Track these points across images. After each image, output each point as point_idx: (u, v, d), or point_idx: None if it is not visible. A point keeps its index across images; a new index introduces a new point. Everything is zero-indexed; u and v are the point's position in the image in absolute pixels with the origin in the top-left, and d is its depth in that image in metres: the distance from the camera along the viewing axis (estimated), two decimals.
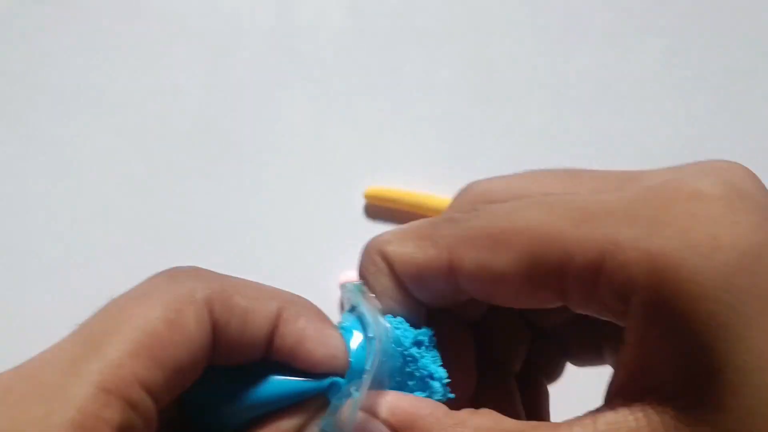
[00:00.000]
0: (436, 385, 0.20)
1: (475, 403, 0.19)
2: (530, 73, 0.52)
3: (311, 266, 0.48)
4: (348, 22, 0.53)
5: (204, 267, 0.20)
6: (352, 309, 0.21)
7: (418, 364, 0.20)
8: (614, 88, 0.52)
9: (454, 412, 0.19)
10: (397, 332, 0.20)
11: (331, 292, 0.47)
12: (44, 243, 0.48)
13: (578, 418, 0.17)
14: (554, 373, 0.24)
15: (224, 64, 0.52)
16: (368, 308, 0.20)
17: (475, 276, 0.19)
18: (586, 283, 0.17)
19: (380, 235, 0.21)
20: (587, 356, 0.23)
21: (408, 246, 0.20)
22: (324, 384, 0.19)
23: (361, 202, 0.49)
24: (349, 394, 0.19)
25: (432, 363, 0.20)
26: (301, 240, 0.48)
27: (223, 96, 0.52)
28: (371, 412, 0.19)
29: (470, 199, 0.20)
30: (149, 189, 0.50)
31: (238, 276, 0.20)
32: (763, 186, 0.17)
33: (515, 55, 0.53)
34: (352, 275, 0.46)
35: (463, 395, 0.21)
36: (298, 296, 0.20)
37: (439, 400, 0.19)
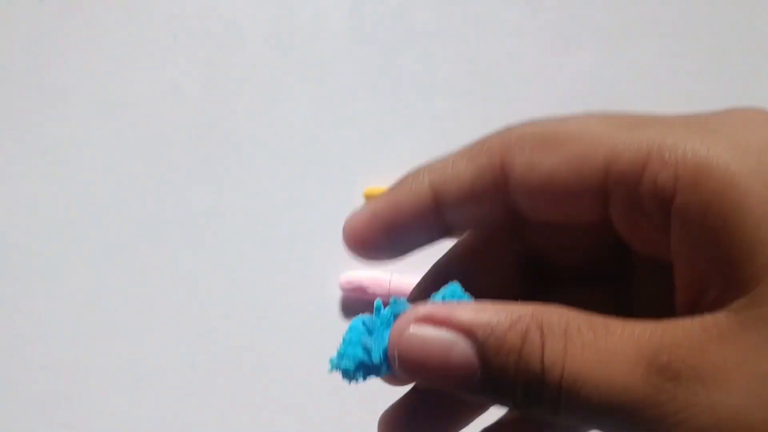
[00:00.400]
0: None
1: None
2: (530, 73, 0.52)
3: (311, 266, 0.48)
4: (348, 22, 0.53)
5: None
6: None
7: None
8: (614, 88, 0.52)
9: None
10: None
11: (331, 292, 0.47)
12: (44, 243, 0.48)
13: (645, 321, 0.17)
14: None
15: (224, 64, 0.52)
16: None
17: (525, 178, 0.19)
18: (629, 183, 0.17)
19: (427, 165, 0.20)
20: None
21: (459, 164, 0.20)
22: None
23: (360, 202, 0.49)
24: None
25: None
26: (301, 240, 0.48)
27: (222, 96, 0.52)
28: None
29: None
30: (148, 189, 0.50)
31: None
32: None
33: (515, 54, 0.52)
34: (352, 275, 0.46)
35: None
36: None
37: None
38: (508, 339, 0.17)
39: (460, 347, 0.17)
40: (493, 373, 0.17)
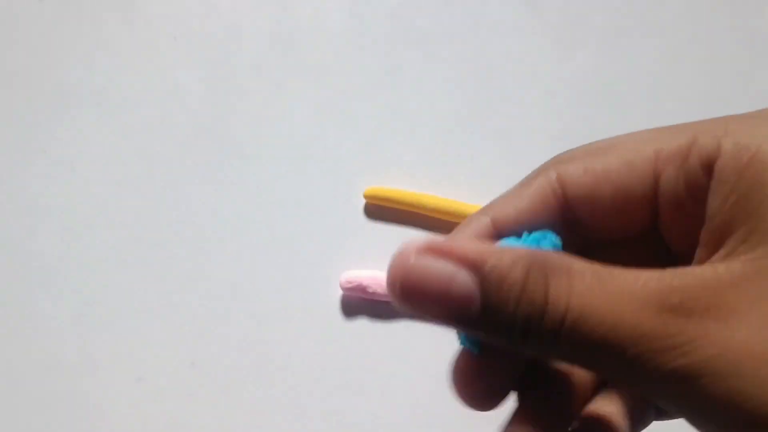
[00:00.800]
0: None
1: None
2: (530, 73, 0.52)
3: (311, 266, 0.48)
4: (348, 22, 0.53)
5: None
6: None
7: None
8: (614, 88, 0.52)
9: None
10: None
11: (331, 292, 0.47)
12: (44, 243, 0.48)
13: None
14: None
15: (224, 64, 0.52)
16: None
17: (581, 181, 0.20)
18: (676, 160, 0.19)
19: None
20: None
21: (515, 193, 0.21)
22: None
23: (360, 202, 0.49)
24: None
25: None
26: (300, 240, 0.48)
27: (222, 96, 0.52)
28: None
29: None
30: (148, 189, 0.50)
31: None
32: None
33: (515, 55, 0.53)
34: (352, 275, 0.46)
35: None
36: None
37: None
38: (512, 273, 0.17)
39: (462, 278, 0.17)
40: (493, 305, 0.17)
